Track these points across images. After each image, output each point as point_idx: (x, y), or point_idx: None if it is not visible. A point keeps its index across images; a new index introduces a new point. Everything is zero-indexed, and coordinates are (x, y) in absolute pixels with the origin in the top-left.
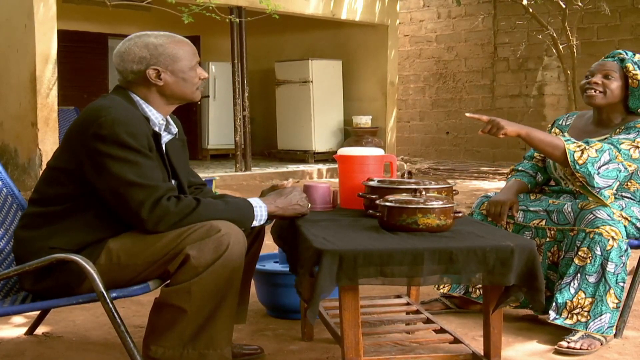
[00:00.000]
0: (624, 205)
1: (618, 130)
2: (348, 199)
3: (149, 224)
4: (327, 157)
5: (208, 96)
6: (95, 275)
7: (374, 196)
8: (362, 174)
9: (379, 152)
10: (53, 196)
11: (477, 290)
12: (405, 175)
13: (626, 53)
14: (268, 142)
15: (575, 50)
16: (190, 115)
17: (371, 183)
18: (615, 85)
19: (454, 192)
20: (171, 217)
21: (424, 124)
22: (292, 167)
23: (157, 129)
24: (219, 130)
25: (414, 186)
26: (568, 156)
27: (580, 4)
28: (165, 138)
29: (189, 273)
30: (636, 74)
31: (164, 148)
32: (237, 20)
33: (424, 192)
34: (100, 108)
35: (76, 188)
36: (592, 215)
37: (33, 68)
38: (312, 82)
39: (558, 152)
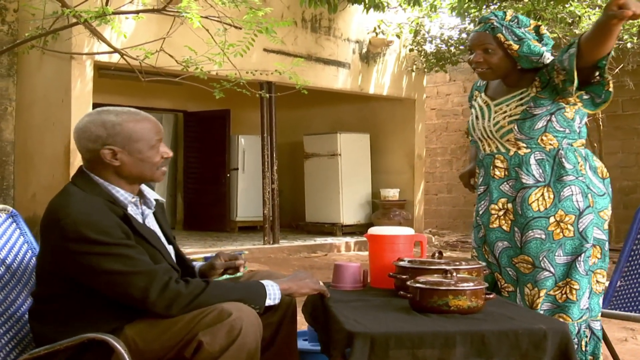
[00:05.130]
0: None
1: (537, 82)
2: (378, 278)
3: (160, 308)
4: (355, 229)
5: (237, 169)
6: (126, 355)
7: (404, 276)
8: (392, 254)
9: (409, 231)
10: (54, 294)
11: None
12: (436, 255)
13: (496, 16)
14: (296, 215)
15: (601, 123)
16: (219, 187)
17: (401, 263)
18: (496, 58)
19: (484, 271)
20: (183, 299)
21: (451, 196)
22: (320, 240)
23: (129, 208)
24: (248, 202)
25: (444, 267)
26: None
27: None
28: (147, 212)
29: (205, 359)
30: (510, 44)
31: (146, 222)
32: (267, 95)
33: (454, 273)
34: (57, 210)
35: (74, 287)
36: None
37: (68, 141)
38: (340, 155)
39: None
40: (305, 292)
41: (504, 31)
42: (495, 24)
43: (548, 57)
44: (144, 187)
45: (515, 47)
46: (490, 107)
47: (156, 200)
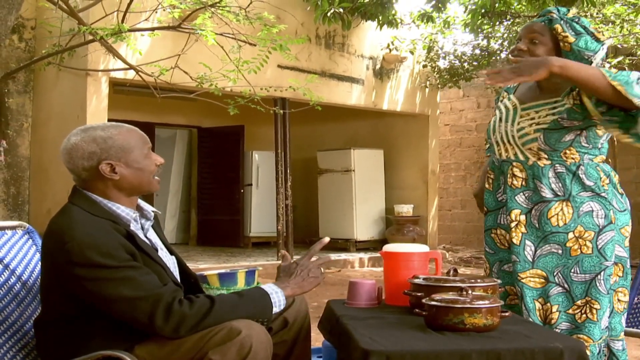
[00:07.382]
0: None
1: (575, 94)
2: (393, 295)
3: (167, 331)
4: (368, 245)
5: (251, 184)
6: None
7: (419, 294)
8: (407, 271)
9: (424, 248)
10: (62, 317)
11: None
12: (451, 272)
13: (558, 10)
14: (309, 230)
15: (615, 139)
16: (233, 203)
17: (417, 281)
18: (541, 50)
19: (499, 288)
20: (190, 320)
21: (465, 212)
22: (333, 256)
23: (132, 225)
24: (261, 218)
25: (459, 284)
26: (604, 72)
27: None
28: (147, 225)
29: None
30: (566, 36)
31: (148, 236)
32: (281, 111)
33: (470, 291)
34: (62, 232)
35: (82, 309)
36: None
37: None
38: (354, 171)
39: (598, 77)
40: (311, 289)
41: (562, 23)
42: (554, 16)
43: (598, 63)
44: (139, 202)
45: (572, 39)
46: (516, 111)
47: (153, 212)
